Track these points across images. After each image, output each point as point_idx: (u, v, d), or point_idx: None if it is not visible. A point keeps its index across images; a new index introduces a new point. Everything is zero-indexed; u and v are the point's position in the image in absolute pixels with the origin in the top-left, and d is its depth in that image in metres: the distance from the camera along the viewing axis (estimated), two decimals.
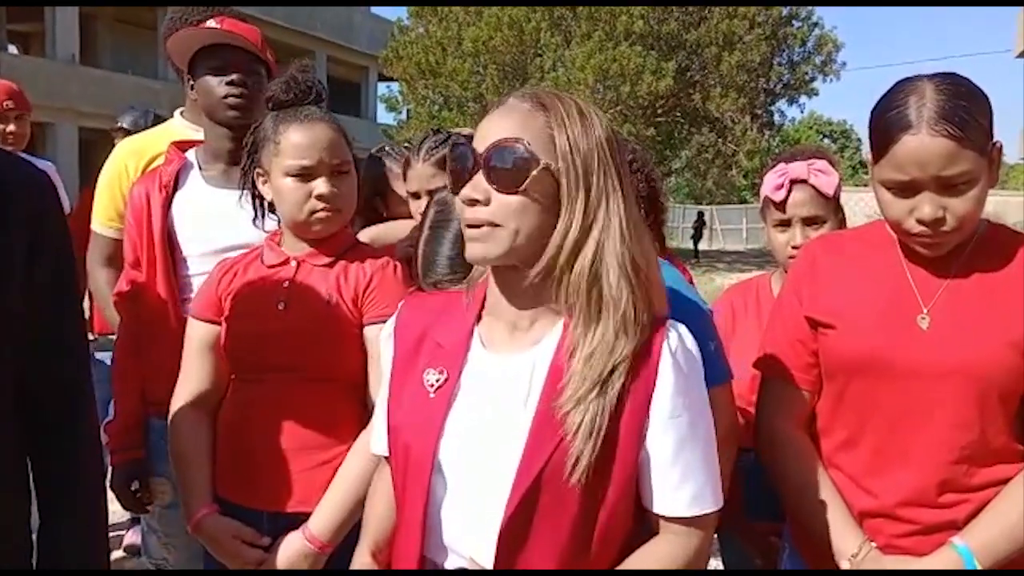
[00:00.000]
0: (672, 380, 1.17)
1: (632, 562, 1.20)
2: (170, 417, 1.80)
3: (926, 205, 1.38)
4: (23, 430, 1.30)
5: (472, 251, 1.18)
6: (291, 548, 1.66)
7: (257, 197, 1.81)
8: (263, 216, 1.82)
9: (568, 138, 1.16)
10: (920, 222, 1.39)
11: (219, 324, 1.78)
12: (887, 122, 1.39)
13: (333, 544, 1.66)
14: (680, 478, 1.18)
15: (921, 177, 1.36)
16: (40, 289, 1.29)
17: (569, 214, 1.15)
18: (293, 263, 1.76)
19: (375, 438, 1.38)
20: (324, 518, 1.65)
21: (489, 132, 1.17)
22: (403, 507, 1.25)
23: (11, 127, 3.45)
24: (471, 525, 1.19)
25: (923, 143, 1.34)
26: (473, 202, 1.16)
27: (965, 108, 1.34)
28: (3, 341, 1.26)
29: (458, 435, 1.20)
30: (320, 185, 1.69)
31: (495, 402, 1.20)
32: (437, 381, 1.23)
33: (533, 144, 1.14)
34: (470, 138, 1.22)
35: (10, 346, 1.26)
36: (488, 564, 1.16)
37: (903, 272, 1.50)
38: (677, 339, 1.20)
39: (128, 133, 3.67)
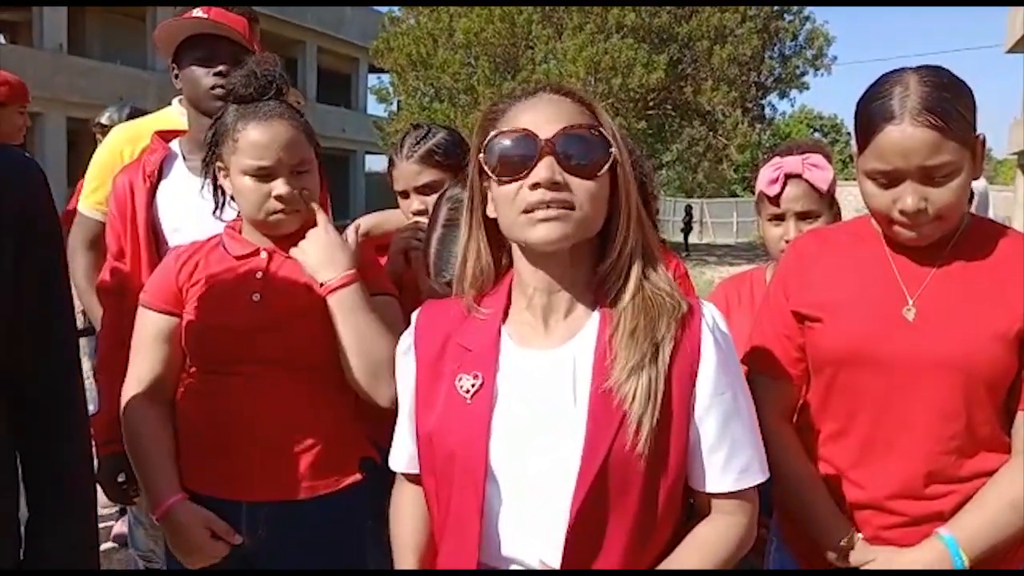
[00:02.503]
0: (715, 357, 1.19)
1: (687, 548, 1.19)
2: (123, 410, 1.73)
3: (908, 196, 1.39)
4: (12, 425, 1.29)
5: (550, 232, 1.13)
6: None
7: (219, 188, 1.76)
8: (222, 207, 1.77)
9: (614, 131, 1.19)
10: (903, 212, 1.40)
11: (177, 316, 1.71)
12: (871, 112, 1.41)
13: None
14: (728, 453, 1.19)
15: (904, 167, 1.37)
16: (30, 286, 1.26)
17: (628, 204, 1.19)
18: (264, 254, 1.72)
19: (396, 455, 1.34)
20: None
21: (549, 117, 1.16)
22: (448, 517, 1.21)
23: None
24: (534, 524, 1.16)
25: (906, 133, 1.36)
26: (554, 184, 1.13)
27: (948, 100, 1.36)
28: None
29: (506, 437, 1.17)
30: (279, 186, 1.64)
31: (540, 398, 1.18)
32: (473, 386, 1.20)
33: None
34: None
35: None
36: (556, 560, 1.14)
37: (888, 264, 1.50)
38: (712, 318, 1.22)
39: (106, 129, 3.59)
